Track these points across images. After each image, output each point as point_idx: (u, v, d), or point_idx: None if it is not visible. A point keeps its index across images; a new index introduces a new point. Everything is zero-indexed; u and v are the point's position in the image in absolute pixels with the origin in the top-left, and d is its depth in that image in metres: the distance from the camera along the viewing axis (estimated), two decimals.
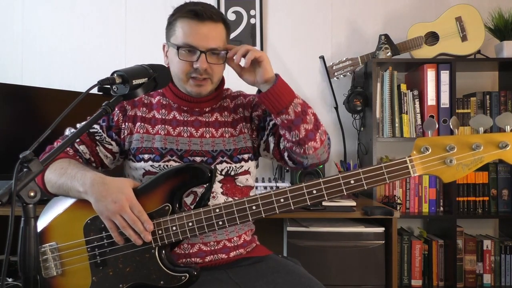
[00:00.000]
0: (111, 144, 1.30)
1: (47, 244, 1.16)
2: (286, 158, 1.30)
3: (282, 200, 1.08)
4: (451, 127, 1.06)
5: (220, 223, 1.10)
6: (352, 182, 1.06)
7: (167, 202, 1.12)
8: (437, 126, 1.07)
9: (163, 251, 1.12)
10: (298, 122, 1.18)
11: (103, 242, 1.13)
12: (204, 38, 1.21)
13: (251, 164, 1.33)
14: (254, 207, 1.09)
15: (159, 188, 1.13)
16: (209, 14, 1.21)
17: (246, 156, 1.31)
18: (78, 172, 1.15)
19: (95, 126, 1.29)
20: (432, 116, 2.28)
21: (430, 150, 1.03)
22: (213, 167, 1.17)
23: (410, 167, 1.04)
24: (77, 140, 1.26)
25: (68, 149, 1.26)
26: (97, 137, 1.29)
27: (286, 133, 1.21)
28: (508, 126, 1.02)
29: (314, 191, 1.07)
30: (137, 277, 1.11)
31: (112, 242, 1.12)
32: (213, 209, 1.11)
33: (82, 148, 1.28)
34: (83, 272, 1.13)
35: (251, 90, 1.30)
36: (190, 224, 1.10)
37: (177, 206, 1.14)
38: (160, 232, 1.11)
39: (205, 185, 1.18)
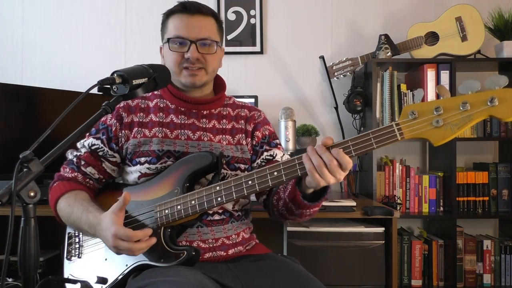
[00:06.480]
0: (115, 157, 1.31)
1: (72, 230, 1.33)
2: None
3: (275, 173, 1.11)
4: (438, 93, 1.03)
5: (219, 199, 1.14)
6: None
7: (177, 186, 1.19)
8: (423, 93, 1.04)
9: (169, 230, 1.18)
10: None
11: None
12: (193, 29, 1.27)
13: None
14: (250, 182, 1.13)
15: (171, 175, 1.22)
16: (198, 7, 1.28)
17: (242, 166, 1.32)
18: (82, 214, 1.18)
19: (96, 142, 1.29)
20: None
21: (417, 114, 1.01)
22: (219, 154, 1.20)
23: (396, 130, 1.03)
24: (83, 163, 1.29)
25: (76, 174, 1.28)
26: (100, 153, 1.30)
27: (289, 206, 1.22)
28: (498, 87, 0.97)
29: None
30: (142, 256, 1.17)
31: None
32: (214, 186, 1.15)
33: (89, 170, 1.29)
34: (99, 252, 1.25)
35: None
36: (193, 202, 1.15)
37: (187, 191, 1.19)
38: (166, 211, 1.16)
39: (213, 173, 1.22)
